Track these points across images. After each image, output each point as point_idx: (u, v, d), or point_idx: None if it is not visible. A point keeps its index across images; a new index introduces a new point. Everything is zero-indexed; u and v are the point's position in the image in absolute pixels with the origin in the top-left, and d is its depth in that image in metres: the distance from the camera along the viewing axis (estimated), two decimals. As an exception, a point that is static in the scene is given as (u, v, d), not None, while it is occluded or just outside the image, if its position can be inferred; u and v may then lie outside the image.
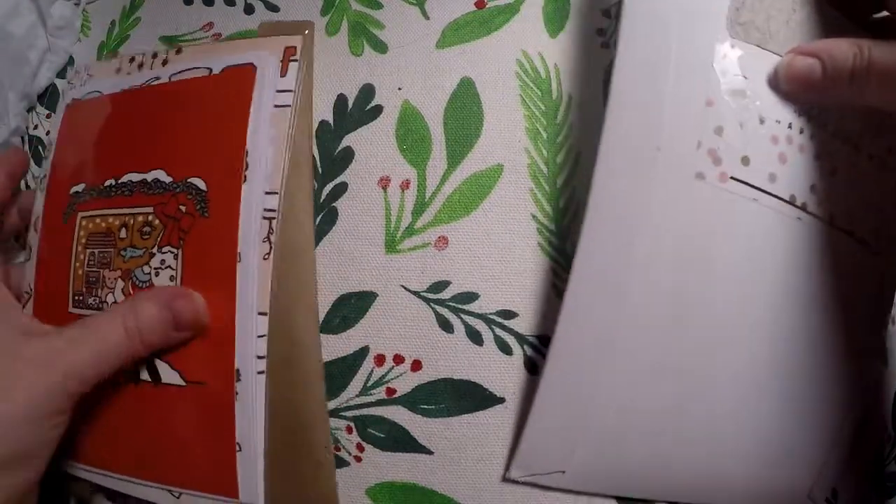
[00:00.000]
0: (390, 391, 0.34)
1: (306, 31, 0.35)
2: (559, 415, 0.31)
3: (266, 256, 0.32)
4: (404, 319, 0.34)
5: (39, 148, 0.43)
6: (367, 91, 0.36)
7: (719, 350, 0.31)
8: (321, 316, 0.34)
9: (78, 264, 0.36)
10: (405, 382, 0.34)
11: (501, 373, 0.33)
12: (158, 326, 0.32)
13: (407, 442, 0.33)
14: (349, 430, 0.34)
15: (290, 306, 0.33)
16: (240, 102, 0.34)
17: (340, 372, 0.34)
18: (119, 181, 0.36)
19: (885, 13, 0.31)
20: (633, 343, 0.30)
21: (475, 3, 0.37)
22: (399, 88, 0.36)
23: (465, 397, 0.33)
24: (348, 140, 0.36)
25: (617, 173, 0.29)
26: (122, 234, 0.35)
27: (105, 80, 0.38)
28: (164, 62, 0.36)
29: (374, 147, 0.35)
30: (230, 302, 0.32)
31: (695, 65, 0.29)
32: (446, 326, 0.34)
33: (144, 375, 0.34)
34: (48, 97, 0.43)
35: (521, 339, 0.33)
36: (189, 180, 0.34)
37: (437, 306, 0.34)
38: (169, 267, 0.34)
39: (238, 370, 0.32)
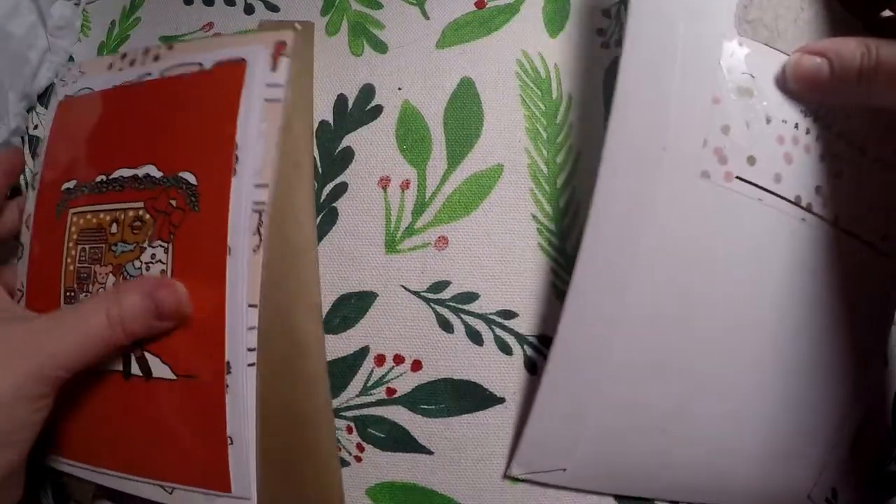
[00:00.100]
0: (390, 391, 0.32)
1: (297, 26, 0.33)
2: (561, 412, 0.30)
3: (256, 249, 0.31)
4: (404, 319, 0.33)
5: (39, 148, 0.40)
6: (367, 91, 0.35)
7: (721, 350, 0.29)
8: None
9: (69, 260, 0.35)
10: (405, 382, 0.32)
11: (501, 373, 0.32)
12: (141, 316, 0.31)
13: (407, 442, 0.32)
14: (349, 430, 0.32)
15: (291, 306, 0.32)
16: (230, 97, 0.32)
17: (340, 372, 0.33)
18: (110, 177, 0.34)
19: (890, 13, 0.30)
20: (635, 342, 0.29)
21: (475, 3, 0.35)
22: (399, 88, 0.35)
23: (465, 397, 0.32)
24: (348, 140, 0.35)
25: (622, 172, 0.28)
26: (113, 229, 0.34)
27: (97, 77, 0.36)
28: (156, 58, 0.34)
29: (374, 147, 0.34)
30: (220, 295, 0.31)
31: (702, 62, 0.28)
32: (446, 326, 0.32)
33: (135, 370, 0.32)
34: (48, 97, 0.42)
35: (521, 339, 0.32)
36: (179, 175, 0.33)
37: (437, 306, 0.32)
38: (160, 261, 0.32)
39: (228, 363, 0.31)
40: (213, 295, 0.31)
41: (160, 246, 0.32)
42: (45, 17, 0.40)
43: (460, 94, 0.34)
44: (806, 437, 0.31)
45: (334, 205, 0.34)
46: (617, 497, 0.31)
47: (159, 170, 0.33)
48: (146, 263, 0.32)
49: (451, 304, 0.32)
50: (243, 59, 0.32)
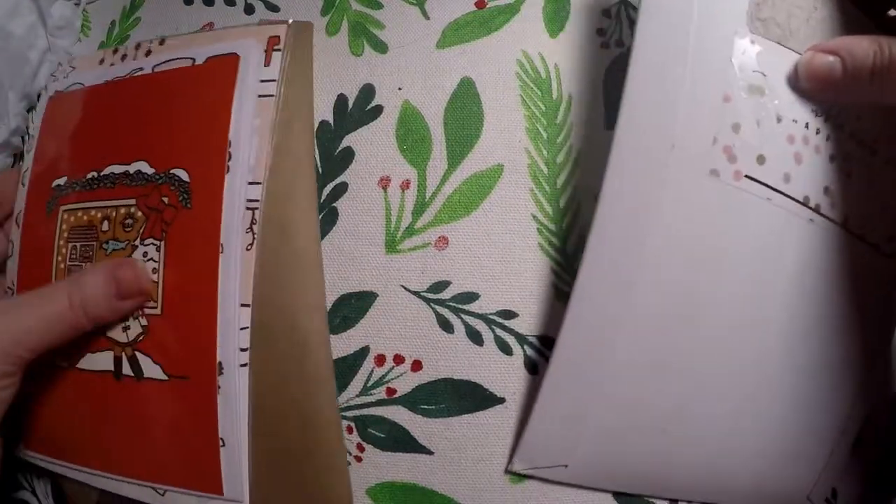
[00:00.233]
0: (390, 391, 0.30)
1: (290, 21, 0.31)
2: (562, 413, 0.28)
3: (249, 247, 0.29)
4: (404, 319, 0.31)
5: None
6: (368, 91, 0.33)
7: (724, 349, 0.28)
8: (321, 316, 0.31)
9: (60, 258, 0.33)
10: (405, 382, 0.30)
11: (502, 373, 0.30)
12: (102, 297, 0.29)
13: (407, 442, 0.30)
14: (349, 430, 0.30)
15: (295, 307, 0.30)
16: (223, 92, 0.30)
17: (341, 372, 0.31)
18: (101, 173, 0.32)
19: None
20: (639, 342, 0.27)
21: (475, 3, 0.33)
22: (399, 88, 0.32)
23: (466, 397, 0.30)
24: (348, 140, 0.32)
25: (629, 169, 0.26)
26: (105, 226, 0.32)
27: (88, 72, 0.34)
28: (148, 53, 0.32)
29: (374, 147, 0.32)
30: (212, 294, 0.29)
31: (713, 59, 0.26)
32: (446, 326, 0.30)
33: (126, 370, 0.30)
34: (44, 95, 0.39)
35: (521, 339, 0.30)
36: (172, 171, 0.31)
37: (437, 306, 0.30)
38: (151, 259, 0.30)
39: (220, 363, 0.29)
40: (205, 294, 0.29)
41: (152, 244, 0.30)
42: (45, 17, 0.38)
43: (460, 94, 0.32)
44: (807, 438, 0.29)
45: (334, 205, 0.32)
46: (616, 495, 0.29)
47: (151, 166, 0.31)
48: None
49: (451, 304, 0.30)
50: (236, 54, 0.30)
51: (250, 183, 0.29)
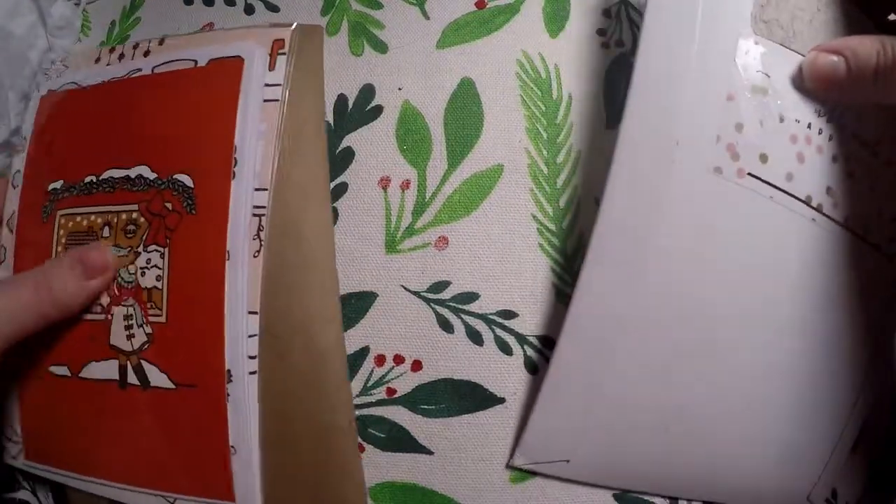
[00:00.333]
0: (391, 391, 0.29)
1: (294, 25, 0.30)
2: (563, 413, 0.27)
3: (256, 254, 0.28)
4: (404, 319, 0.30)
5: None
6: (368, 91, 0.31)
7: (726, 349, 0.27)
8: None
9: None
10: (405, 382, 0.29)
11: (502, 373, 0.29)
12: (69, 278, 0.28)
13: (407, 442, 0.29)
14: None
15: (309, 316, 0.28)
16: (227, 96, 0.29)
17: None
18: (100, 178, 0.31)
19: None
20: (642, 342, 0.26)
21: (475, 3, 0.32)
22: (399, 88, 0.31)
23: (466, 397, 0.29)
24: (348, 140, 0.31)
25: (633, 165, 0.25)
26: (106, 232, 0.30)
27: (83, 72, 0.33)
28: (147, 53, 0.31)
29: (374, 147, 0.31)
30: (219, 301, 0.28)
31: (717, 59, 0.25)
32: (446, 326, 0.29)
33: (132, 379, 0.29)
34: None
35: (521, 339, 0.29)
36: (175, 177, 0.29)
37: (437, 306, 0.29)
38: (155, 266, 0.29)
39: (229, 371, 0.28)
40: (212, 301, 0.28)
41: (156, 250, 0.29)
42: (45, 17, 0.36)
43: (460, 95, 0.31)
44: (808, 438, 0.28)
45: (334, 205, 0.30)
46: (616, 496, 0.28)
47: (153, 171, 0.29)
48: (141, 268, 0.29)
49: (451, 304, 0.29)
50: (240, 57, 0.28)
51: (257, 189, 0.28)
